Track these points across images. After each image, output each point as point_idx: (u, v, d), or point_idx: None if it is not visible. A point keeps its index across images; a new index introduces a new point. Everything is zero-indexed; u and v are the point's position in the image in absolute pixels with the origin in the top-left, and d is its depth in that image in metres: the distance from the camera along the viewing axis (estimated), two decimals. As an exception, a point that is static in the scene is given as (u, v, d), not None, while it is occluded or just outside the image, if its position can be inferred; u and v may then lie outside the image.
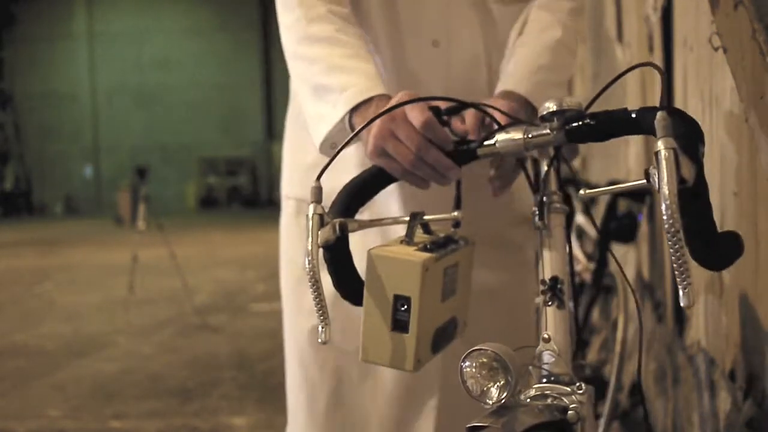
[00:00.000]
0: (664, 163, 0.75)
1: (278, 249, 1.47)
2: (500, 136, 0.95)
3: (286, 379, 1.45)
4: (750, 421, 1.32)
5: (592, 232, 3.21)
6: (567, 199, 0.95)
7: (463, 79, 1.28)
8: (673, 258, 0.74)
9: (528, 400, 0.86)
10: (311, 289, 0.86)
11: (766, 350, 1.27)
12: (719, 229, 0.82)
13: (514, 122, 0.98)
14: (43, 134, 22.87)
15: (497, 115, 1.02)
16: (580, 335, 2.70)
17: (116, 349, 5.11)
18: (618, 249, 3.44)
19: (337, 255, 0.91)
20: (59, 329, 5.74)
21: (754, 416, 1.31)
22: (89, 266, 9.56)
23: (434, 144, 0.99)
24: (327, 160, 0.92)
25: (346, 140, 0.96)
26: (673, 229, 0.73)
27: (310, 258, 0.86)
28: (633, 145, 2.96)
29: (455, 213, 0.99)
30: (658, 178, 0.75)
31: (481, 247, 1.31)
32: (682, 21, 1.99)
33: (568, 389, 0.86)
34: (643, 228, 2.82)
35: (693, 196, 0.78)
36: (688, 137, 0.79)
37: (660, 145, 0.76)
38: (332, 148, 1.12)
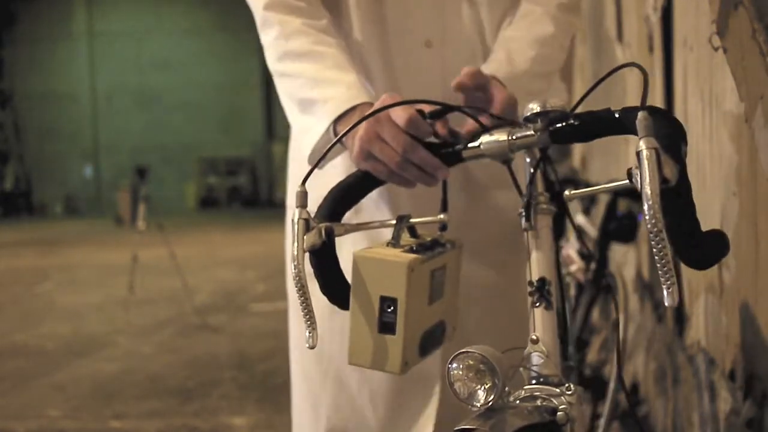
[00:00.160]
0: (645, 163, 0.75)
1: (278, 249, 1.47)
2: (485, 138, 0.95)
3: (291, 391, 1.45)
4: (750, 421, 1.32)
5: (592, 231, 3.21)
6: (558, 200, 0.95)
7: None
8: (656, 258, 0.74)
9: (517, 401, 0.86)
10: (298, 294, 0.86)
11: (765, 350, 1.27)
12: (718, 229, 0.82)
13: (498, 124, 0.98)
14: (42, 134, 22.86)
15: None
16: (580, 335, 2.70)
17: (116, 349, 5.11)
18: (618, 249, 3.44)
19: (323, 259, 0.91)
20: (59, 329, 5.74)
21: (754, 416, 1.31)
22: (89, 266, 9.56)
23: (421, 144, 0.99)
24: (320, 171, 0.93)
25: (330, 145, 0.96)
26: (655, 229, 0.73)
27: (296, 263, 0.86)
28: (633, 144, 2.96)
29: (441, 216, 0.99)
30: (640, 177, 0.76)
31: (481, 248, 1.31)
32: (682, 21, 1.99)
33: (557, 390, 0.86)
34: (643, 228, 2.82)
35: (676, 196, 0.78)
36: (671, 137, 0.80)
37: (641, 144, 0.77)
38: (323, 162, 1.12)
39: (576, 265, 2.88)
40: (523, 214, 0.93)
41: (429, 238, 0.97)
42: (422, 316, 0.93)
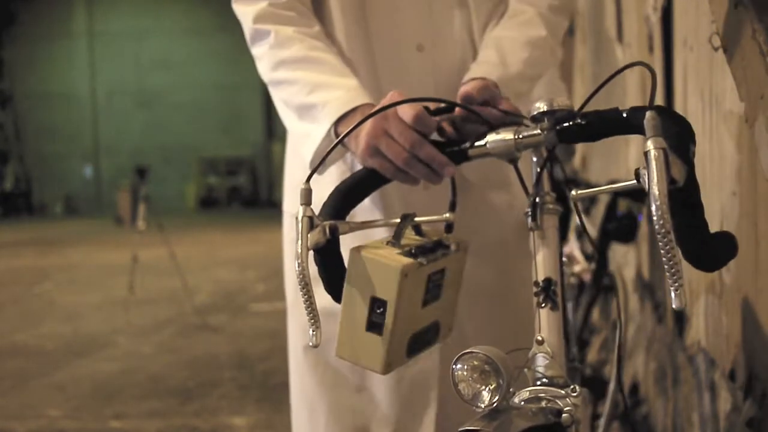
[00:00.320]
0: (653, 163, 0.75)
1: (278, 249, 1.47)
2: (491, 137, 0.95)
3: (290, 399, 1.45)
4: (750, 421, 1.32)
5: (592, 232, 3.21)
6: (563, 200, 0.94)
7: (452, 84, 1.24)
8: (664, 259, 0.73)
9: (522, 402, 0.86)
10: (302, 292, 0.85)
11: (765, 350, 1.27)
12: (719, 230, 0.81)
13: (505, 122, 0.97)
14: (43, 134, 22.85)
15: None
16: (580, 335, 2.71)
17: (116, 349, 5.11)
18: (618, 249, 3.44)
19: (327, 258, 0.90)
20: (59, 329, 5.74)
21: (754, 416, 1.31)
22: (89, 266, 9.56)
23: (428, 140, 0.98)
24: (316, 176, 0.92)
25: (332, 145, 0.95)
26: (663, 230, 0.72)
27: (300, 261, 0.85)
28: (633, 144, 2.96)
29: (447, 215, 0.97)
30: (648, 178, 0.75)
31: (476, 250, 1.31)
32: (682, 21, 1.99)
33: (562, 392, 0.85)
34: (643, 228, 2.82)
35: (684, 197, 0.77)
36: (679, 137, 0.79)
37: (649, 144, 0.76)
38: (323, 166, 1.10)
39: (580, 265, 2.88)
40: (530, 213, 0.92)
41: (434, 238, 0.96)
42: (413, 319, 0.92)
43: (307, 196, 0.88)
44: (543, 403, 0.85)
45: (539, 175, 0.93)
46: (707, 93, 1.66)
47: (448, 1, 1.27)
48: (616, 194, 2.67)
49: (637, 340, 3.11)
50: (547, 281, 0.90)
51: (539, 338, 0.88)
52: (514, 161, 0.96)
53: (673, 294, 0.73)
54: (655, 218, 0.72)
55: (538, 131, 0.91)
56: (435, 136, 1.03)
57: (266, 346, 4.98)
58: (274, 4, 1.21)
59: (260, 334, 5.34)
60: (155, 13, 22.71)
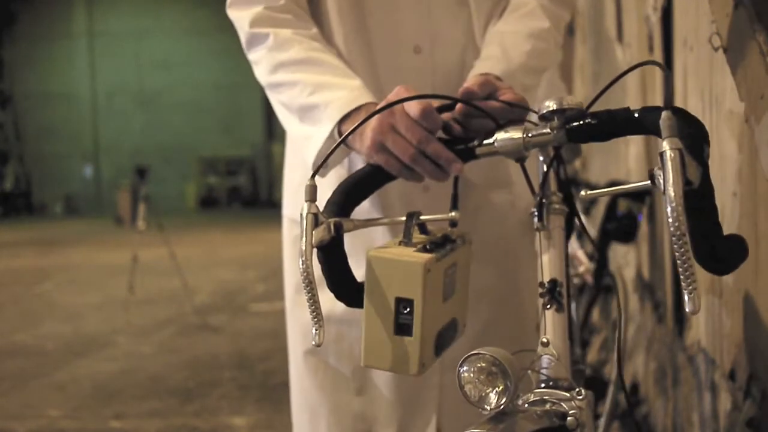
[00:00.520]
0: (669, 164, 0.73)
1: (278, 249, 1.46)
2: (499, 135, 0.93)
3: (291, 402, 1.44)
4: (750, 421, 1.32)
5: (592, 232, 3.21)
6: (569, 200, 0.93)
7: (450, 86, 1.23)
8: (678, 262, 0.71)
9: (527, 405, 0.85)
10: (305, 290, 0.84)
11: (766, 350, 1.27)
12: (738, 234, 0.80)
13: (510, 116, 0.96)
14: (42, 134, 22.85)
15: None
16: (580, 335, 2.71)
17: (116, 349, 5.11)
18: (618, 249, 3.45)
19: (331, 255, 0.89)
20: (59, 329, 5.74)
21: (754, 416, 1.31)
22: (89, 266, 9.56)
23: (435, 137, 0.97)
24: (301, 188, 0.90)
25: (336, 144, 0.93)
26: (678, 232, 0.71)
27: (304, 258, 0.84)
28: (633, 145, 2.96)
29: (452, 213, 0.96)
30: (664, 179, 0.73)
31: (485, 249, 1.30)
32: (682, 21, 1.99)
33: (568, 395, 0.84)
34: (643, 228, 2.83)
35: (699, 198, 0.76)
36: (694, 138, 0.77)
37: (665, 145, 0.74)
38: (324, 168, 1.09)
39: (584, 266, 2.88)
40: (536, 213, 0.91)
41: (439, 234, 0.95)
42: (437, 315, 0.91)
43: (312, 193, 0.87)
44: (548, 406, 0.84)
45: (546, 175, 0.92)
46: (707, 93, 1.66)
47: (448, 1, 1.25)
48: (617, 194, 2.67)
49: (637, 340, 3.11)
50: (553, 282, 0.89)
51: (544, 340, 0.87)
52: (521, 160, 0.95)
53: (686, 297, 0.72)
54: (670, 220, 0.71)
55: (548, 130, 0.89)
56: (440, 134, 1.02)
57: (266, 346, 4.98)
58: (270, 7, 1.19)
59: (260, 334, 5.34)
60: (155, 13, 22.71)
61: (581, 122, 0.87)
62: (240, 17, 1.21)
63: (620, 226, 2.75)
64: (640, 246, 3.02)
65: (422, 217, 0.93)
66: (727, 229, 0.81)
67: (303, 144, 1.16)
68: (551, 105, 0.89)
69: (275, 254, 1.53)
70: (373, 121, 0.99)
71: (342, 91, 1.11)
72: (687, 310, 0.72)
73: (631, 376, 3.14)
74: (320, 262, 0.89)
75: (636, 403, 2.87)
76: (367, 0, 1.23)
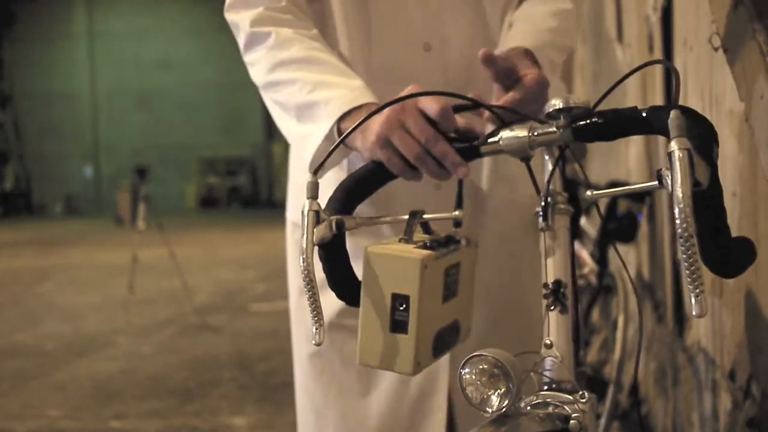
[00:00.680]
0: (678, 165, 0.72)
1: (278, 249, 1.46)
2: (504, 134, 0.91)
3: (296, 404, 1.44)
4: (750, 421, 1.32)
5: (592, 232, 3.21)
6: (574, 200, 0.92)
7: (461, 84, 1.22)
8: (685, 264, 0.70)
9: (529, 408, 0.83)
10: (306, 289, 0.83)
11: (766, 350, 1.27)
12: (745, 236, 0.79)
13: (519, 119, 0.94)
14: (43, 134, 22.86)
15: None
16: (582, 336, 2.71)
17: (116, 349, 5.11)
18: (618, 249, 3.44)
19: (333, 254, 0.88)
20: (59, 329, 5.74)
21: (754, 416, 1.31)
22: (89, 266, 9.56)
23: (444, 138, 0.94)
24: (303, 190, 0.89)
25: (336, 143, 0.91)
26: (686, 234, 0.69)
27: (305, 256, 0.82)
28: (633, 145, 2.96)
29: (456, 212, 0.94)
30: (672, 180, 0.72)
31: (492, 250, 1.30)
32: (682, 21, 1.99)
33: (571, 398, 0.83)
34: (643, 228, 2.82)
35: (707, 200, 0.75)
36: (702, 138, 0.76)
37: (674, 145, 0.73)
38: (323, 169, 1.08)
39: (588, 267, 2.87)
40: (541, 213, 0.89)
41: (443, 234, 0.93)
42: (436, 315, 0.89)
43: (313, 190, 0.85)
44: (551, 409, 0.83)
45: (551, 174, 0.90)
46: (707, 93, 1.66)
47: None
48: (617, 195, 2.66)
49: (637, 339, 3.11)
50: (557, 283, 0.87)
51: (548, 342, 0.86)
52: (526, 159, 0.93)
53: (693, 300, 0.70)
54: (678, 222, 0.70)
55: (554, 129, 0.88)
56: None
57: (266, 346, 4.98)
58: (271, 8, 1.18)
59: (260, 334, 5.34)
60: (155, 13, 22.72)
61: (588, 121, 0.86)
62: (241, 18, 1.20)
63: (620, 226, 2.75)
64: (640, 246, 3.02)
65: (425, 216, 0.92)
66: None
67: (300, 143, 1.13)
68: (557, 103, 0.87)
69: (275, 254, 1.53)
70: (381, 116, 0.96)
71: (343, 90, 1.09)
72: (693, 313, 0.71)
73: (631, 376, 3.14)
74: (321, 260, 0.88)
75: (636, 404, 2.87)
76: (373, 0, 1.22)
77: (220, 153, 22.79)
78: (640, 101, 2.73)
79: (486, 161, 0.99)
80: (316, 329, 0.84)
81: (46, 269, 9.28)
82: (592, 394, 0.84)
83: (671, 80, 2.17)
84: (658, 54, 2.35)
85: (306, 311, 0.85)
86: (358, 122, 0.91)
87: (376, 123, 0.96)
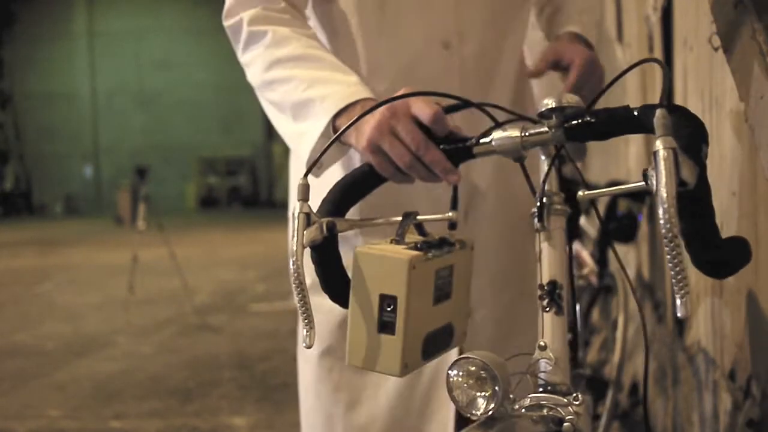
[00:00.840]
0: (662, 164, 0.71)
1: (278, 249, 1.46)
2: (497, 134, 0.90)
3: (300, 404, 1.43)
4: (750, 421, 1.32)
5: (592, 232, 3.21)
6: (572, 200, 0.91)
7: (479, 83, 1.22)
8: (670, 265, 0.69)
9: (523, 410, 0.83)
10: (295, 291, 0.83)
11: (766, 350, 1.27)
12: (721, 232, 0.79)
13: (513, 119, 0.92)
14: (43, 134, 22.86)
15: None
16: (581, 336, 2.71)
17: (116, 349, 5.11)
18: (618, 249, 3.44)
19: (324, 256, 0.88)
20: (59, 329, 5.74)
21: (754, 416, 1.31)
22: (89, 266, 9.56)
23: (435, 144, 0.93)
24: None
25: (331, 140, 0.90)
26: (670, 234, 0.69)
27: (294, 258, 0.82)
28: (633, 144, 2.96)
29: (450, 213, 0.93)
30: (656, 179, 0.71)
31: (505, 237, 1.30)
32: (682, 21, 1.99)
33: (565, 400, 0.83)
34: (643, 228, 2.82)
35: (694, 200, 0.74)
36: (691, 136, 0.76)
37: (658, 144, 0.72)
38: (319, 168, 1.07)
39: (588, 268, 2.87)
40: (536, 214, 0.89)
41: (437, 236, 0.92)
42: (426, 317, 0.88)
43: (304, 192, 0.85)
44: (544, 411, 0.83)
45: (546, 175, 0.90)
46: (707, 93, 1.66)
47: None
48: (617, 194, 2.66)
49: (637, 340, 3.11)
50: (552, 284, 0.87)
51: (542, 343, 0.85)
52: (520, 160, 0.92)
53: (678, 302, 0.70)
54: (662, 222, 0.69)
55: (546, 129, 0.87)
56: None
57: (266, 346, 4.97)
58: (268, 8, 1.18)
59: (260, 334, 5.34)
60: (155, 12, 22.72)
61: (580, 121, 0.85)
62: (239, 20, 1.19)
63: (620, 226, 2.75)
64: (640, 246, 3.02)
65: (419, 217, 0.91)
66: (727, 229, 0.80)
67: (297, 142, 1.13)
68: (550, 103, 0.86)
69: (275, 254, 1.52)
70: (373, 120, 0.95)
71: (338, 86, 1.09)
72: (679, 314, 0.70)
73: (631, 376, 3.14)
74: (313, 262, 0.88)
75: (636, 403, 2.87)
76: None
77: (220, 153, 22.79)
78: (640, 101, 2.72)
79: (489, 158, 0.99)
80: (307, 332, 0.84)
81: (46, 269, 9.28)
82: (587, 396, 0.84)
83: (671, 80, 2.17)
84: (658, 54, 2.35)
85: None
86: (351, 121, 0.91)
87: (369, 125, 0.96)
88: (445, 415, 1.30)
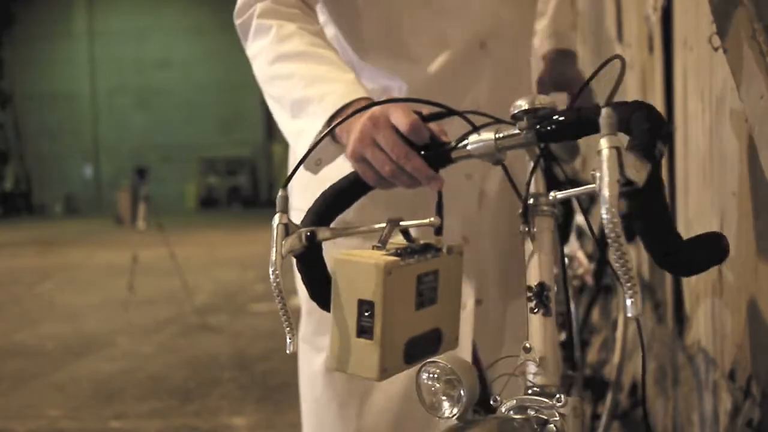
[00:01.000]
0: (604, 164, 0.71)
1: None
2: (472, 138, 0.91)
3: (302, 414, 1.43)
4: (750, 421, 1.32)
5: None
6: (565, 201, 0.90)
7: (509, 83, 1.25)
8: (616, 266, 0.69)
9: (510, 412, 0.83)
10: (276, 299, 0.85)
11: (766, 350, 1.27)
12: (718, 230, 0.79)
13: (491, 122, 0.92)
14: (43, 134, 22.86)
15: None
16: (581, 335, 2.70)
17: (116, 349, 5.11)
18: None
19: (307, 265, 0.89)
20: (59, 329, 5.74)
21: (754, 416, 1.31)
22: (89, 266, 9.56)
23: (416, 152, 0.94)
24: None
25: (320, 137, 0.95)
26: (613, 234, 0.68)
27: (273, 268, 0.85)
28: (633, 145, 2.95)
29: (432, 219, 0.93)
30: (599, 179, 0.71)
31: (492, 257, 1.31)
32: (682, 21, 1.99)
33: (549, 402, 0.83)
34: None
35: (644, 198, 0.74)
36: (645, 134, 0.75)
37: (602, 143, 0.72)
38: (317, 165, 1.08)
39: (583, 268, 2.87)
40: (522, 216, 0.88)
41: (422, 242, 0.92)
42: (407, 322, 0.89)
43: (282, 204, 0.88)
44: (530, 413, 0.83)
45: (530, 176, 0.90)
46: (707, 93, 1.66)
47: None
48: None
49: (638, 340, 3.11)
50: (540, 286, 0.87)
51: (527, 345, 0.85)
52: (498, 162, 0.92)
53: (628, 302, 0.69)
54: (604, 222, 0.68)
55: (518, 131, 0.87)
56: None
57: (266, 346, 4.98)
58: (279, 1, 1.20)
59: (260, 334, 5.34)
60: (155, 12, 22.72)
61: (549, 121, 0.86)
62: (250, 13, 1.21)
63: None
64: (640, 246, 3.02)
65: (402, 223, 0.91)
66: (727, 229, 0.80)
67: (294, 139, 1.14)
68: (523, 104, 0.87)
69: (275, 254, 1.51)
70: (356, 130, 0.96)
71: (337, 85, 1.10)
72: (629, 314, 0.69)
73: (631, 376, 3.14)
74: (298, 271, 0.91)
75: (635, 403, 2.87)
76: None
77: (220, 153, 22.79)
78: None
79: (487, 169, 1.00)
80: (290, 339, 0.86)
81: (46, 269, 9.28)
82: (572, 398, 0.83)
83: (671, 80, 2.17)
84: (658, 54, 2.35)
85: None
86: (335, 123, 0.96)
87: (351, 137, 0.97)
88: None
